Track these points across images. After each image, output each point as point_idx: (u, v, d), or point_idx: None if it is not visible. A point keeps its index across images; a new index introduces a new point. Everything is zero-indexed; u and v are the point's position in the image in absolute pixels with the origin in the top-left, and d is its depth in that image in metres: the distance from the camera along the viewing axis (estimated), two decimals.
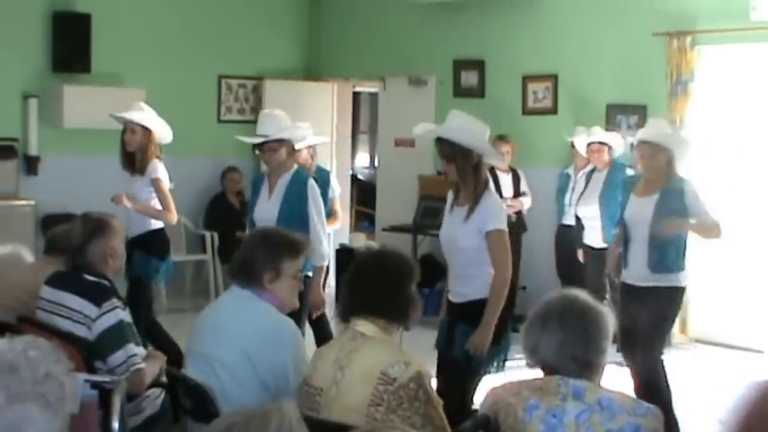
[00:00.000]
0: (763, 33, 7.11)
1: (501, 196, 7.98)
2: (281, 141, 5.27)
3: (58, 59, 8.55)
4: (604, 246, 6.69)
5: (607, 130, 7.62)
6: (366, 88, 11.44)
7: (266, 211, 5.32)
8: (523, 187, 8.11)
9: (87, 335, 3.61)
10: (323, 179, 6.42)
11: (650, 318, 5.03)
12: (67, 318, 3.67)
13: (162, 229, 6.17)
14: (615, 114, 8.03)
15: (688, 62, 7.53)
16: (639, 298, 5.06)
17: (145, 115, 6.15)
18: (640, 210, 5.10)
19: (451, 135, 4.23)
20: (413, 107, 9.32)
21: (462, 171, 4.22)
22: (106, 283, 3.78)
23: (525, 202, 8.07)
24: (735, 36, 7.27)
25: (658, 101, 7.71)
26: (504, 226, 4.29)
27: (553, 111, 8.52)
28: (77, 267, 3.80)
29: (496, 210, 4.30)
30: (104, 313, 3.63)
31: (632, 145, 7.00)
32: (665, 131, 5.29)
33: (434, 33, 9.35)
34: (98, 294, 3.68)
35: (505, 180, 8.03)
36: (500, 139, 7.96)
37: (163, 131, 6.22)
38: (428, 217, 8.27)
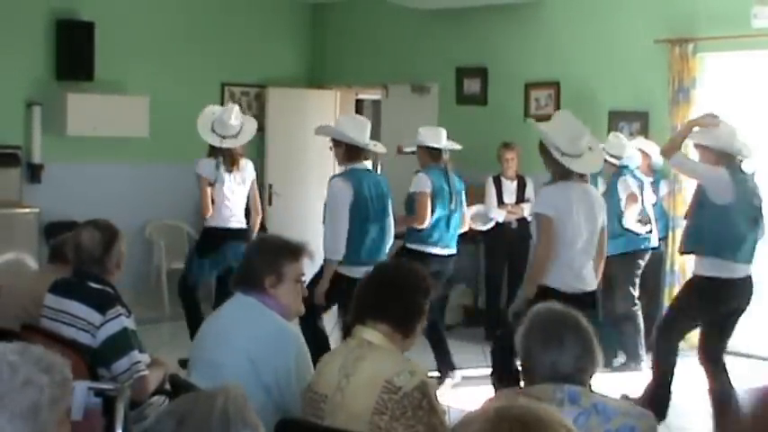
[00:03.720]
0: (765, 41, 7.12)
1: (502, 202, 8.02)
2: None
3: (62, 67, 8.56)
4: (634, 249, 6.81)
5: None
6: (369, 95, 11.43)
7: None
8: (528, 194, 8.11)
9: (91, 342, 3.63)
10: None
11: None
12: (71, 325, 3.68)
13: None
14: (617, 121, 8.04)
15: (690, 69, 7.54)
16: None
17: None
18: None
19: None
20: (415, 114, 9.31)
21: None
22: (110, 290, 3.80)
23: (526, 209, 8.07)
24: (736, 43, 7.29)
25: (660, 108, 7.73)
26: None
27: None
28: (87, 276, 3.81)
29: None
30: (108, 320, 3.64)
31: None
32: None
33: (437, 41, 9.37)
34: (102, 302, 3.70)
35: (509, 187, 8.05)
36: (505, 146, 8.02)
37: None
38: None
